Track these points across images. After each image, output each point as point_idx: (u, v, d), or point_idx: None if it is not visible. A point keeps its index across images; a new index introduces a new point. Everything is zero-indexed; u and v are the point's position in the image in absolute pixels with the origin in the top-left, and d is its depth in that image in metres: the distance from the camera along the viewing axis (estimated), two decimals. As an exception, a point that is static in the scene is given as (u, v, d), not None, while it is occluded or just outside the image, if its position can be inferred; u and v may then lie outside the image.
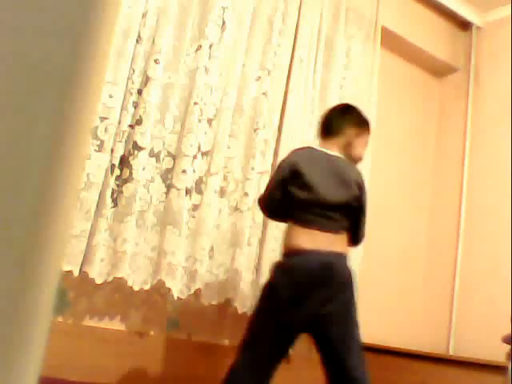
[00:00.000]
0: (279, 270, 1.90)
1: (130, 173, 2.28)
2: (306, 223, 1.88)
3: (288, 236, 1.93)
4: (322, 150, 2.01)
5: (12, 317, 0.34)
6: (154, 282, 2.29)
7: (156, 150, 2.37)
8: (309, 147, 2.08)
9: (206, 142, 2.49)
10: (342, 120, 2.06)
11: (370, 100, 3.05)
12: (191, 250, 2.39)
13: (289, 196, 1.92)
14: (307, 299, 1.81)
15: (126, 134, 2.29)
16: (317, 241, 1.85)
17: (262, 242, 2.57)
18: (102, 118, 2.24)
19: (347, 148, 2.02)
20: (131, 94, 2.31)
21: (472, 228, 3.26)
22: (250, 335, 1.87)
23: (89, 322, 2.25)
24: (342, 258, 1.88)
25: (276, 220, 2.23)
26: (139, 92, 2.34)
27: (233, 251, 2.48)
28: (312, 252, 1.84)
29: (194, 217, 2.44)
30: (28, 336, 0.35)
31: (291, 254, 1.88)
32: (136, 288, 2.27)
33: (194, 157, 2.42)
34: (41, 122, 0.35)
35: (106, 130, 2.24)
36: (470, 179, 3.36)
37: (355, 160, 2.04)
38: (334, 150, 2.00)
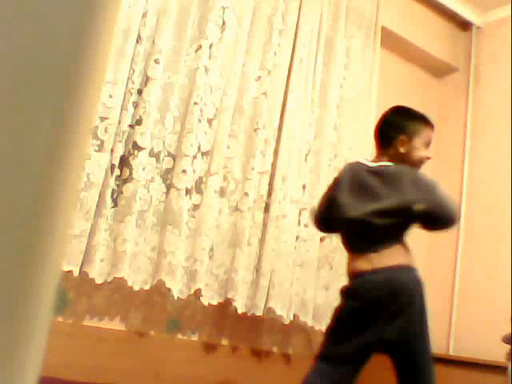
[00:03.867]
0: (345, 294, 1.81)
1: (130, 173, 2.28)
2: (348, 245, 1.84)
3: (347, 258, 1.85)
4: (365, 162, 1.89)
5: (12, 317, 0.34)
6: (154, 282, 2.29)
7: (156, 150, 2.37)
8: (357, 161, 1.94)
9: (206, 141, 2.49)
10: (389, 128, 1.92)
11: (370, 100, 3.05)
12: (191, 250, 2.39)
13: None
14: (374, 321, 1.72)
15: (125, 134, 2.29)
16: (368, 261, 1.76)
17: (261, 241, 2.57)
18: (102, 118, 2.24)
19: (401, 157, 1.86)
20: (131, 94, 2.31)
21: (472, 228, 3.26)
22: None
23: (89, 322, 2.25)
24: (399, 271, 1.74)
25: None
26: (139, 92, 2.34)
27: (233, 251, 2.48)
28: (369, 272, 1.74)
29: (194, 217, 2.44)
30: (28, 336, 0.35)
31: (353, 276, 1.80)
32: (136, 288, 2.27)
33: (194, 157, 2.42)
34: (41, 121, 0.35)
35: (105, 130, 2.24)
36: (469, 179, 3.36)
37: (415, 165, 1.87)
38: (383, 160, 1.87)
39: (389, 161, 1.87)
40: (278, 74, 2.72)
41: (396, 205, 1.75)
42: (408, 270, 1.75)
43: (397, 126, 1.92)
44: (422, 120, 1.96)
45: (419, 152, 1.89)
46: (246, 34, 2.64)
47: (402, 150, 1.87)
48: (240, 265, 2.46)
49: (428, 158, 1.93)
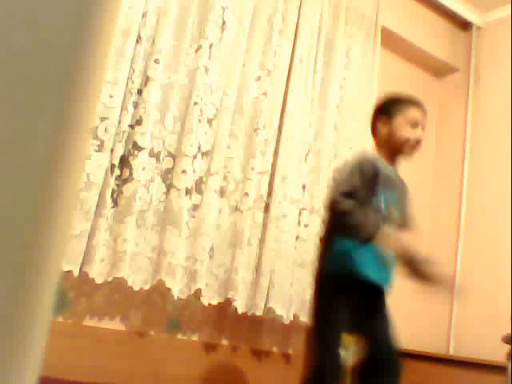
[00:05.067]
0: None
1: (130, 173, 2.28)
2: None
3: None
4: None
5: (12, 317, 0.34)
6: (154, 282, 2.29)
7: (156, 150, 2.37)
8: None
9: (206, 141, 2.49)
10: (373, 114, 1.95)
11: (370, 100, 3.04)
12: (191, 250, 2.39)
13: None
14: None
15: (126, 134, 2.29)
16: None
17: (261, 241, 2.57)
18: (102, 118, 2.24)
19: (385, 139, 1.87)
20: (131, 93, 2.31)
21: (472, 228, 3.26)
22: None
23: (89, 322, 2.25)
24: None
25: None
26: (139, 92, 2.34)
27: (233, 251, 2.48)
28: None
29: (194, 217, 2.43)
30: (28, 336, 0.35)
31: None
32: (136, 288, 2.27)
33: (194, 157, 2.42)
34: (41, 122, 0.35)
35: (106, 130, 2.24)
36: (469, 179, 3.36)
37: (401, 146, 1.85)
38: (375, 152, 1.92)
39: (376, 149, 1.90)
40: (278, 74, 2.72)
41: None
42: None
43: (379, 109, 1.94)
44: (405, 99, 1.92)
45: (402, 131, 1.84)
46: (246, 34, 2.64)
47: (383, 130, 1.88)
48: (240, 265, 2.46)
49: (417, 140, 1.85)
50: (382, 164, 1.84)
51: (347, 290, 1.73)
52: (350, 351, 1.69)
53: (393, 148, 1.87)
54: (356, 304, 1.74)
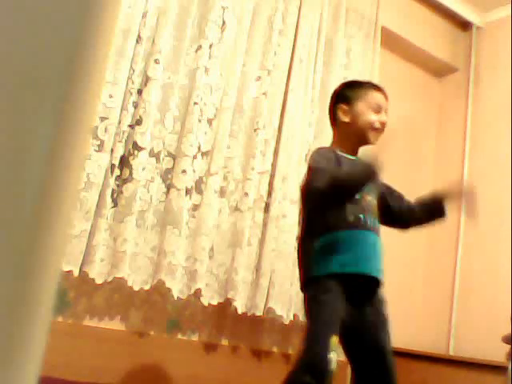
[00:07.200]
0: None
1: (130, 173, 2.28)
2: None
3: None
4: None
5: (12, 317, 0.34)
6: (154, 282, 2.29)
7: (156, 150, 2.37)
8: None
9: (205, 141, 2.49)
10: (331, 103, 1.88)
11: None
12: (191, 250, 2.39)
13: None
14: None
15: (126, 134, 2.29)
16: None
17: (261, 241, 2.57)
18: (102, 118, 2.24)
19: (347, 128, 1.80)
20: (131, 94, 2.31)
21: (472, 228, 3.26)
22: None
23: (89, 322, 2.25)
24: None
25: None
26: (139, 92, 2.34)
27: (233, 251, 2.48)
28: None
29: (194, 217, 2.44)
30: (28, 336, 0.35)
31: None
32: (136, 288, 2.27)
33: (194, 157, 2.42)
34: (41, 122, 0.35)
35: (106, 129, 2.24)
36: (470, 179, 3.36)
37: (365, 132, 1.76)
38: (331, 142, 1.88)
39: (335, 140, 1.84)
40: (278, 74, 2.72)
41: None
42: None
43: (336, 98, 1.85)
44: (363, 84, 1.86)
45: (365, 116, 1.76)
46: (246, 34, 2.64)
47: (345, 119, 1.79)
48: (240, 265, 2.46)
49: (381, 123, 1.77)
50: (344, 154, 1.78)
51: (333, 290, 1.64)
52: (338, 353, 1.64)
53: (356, 136, 1.79)
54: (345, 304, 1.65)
